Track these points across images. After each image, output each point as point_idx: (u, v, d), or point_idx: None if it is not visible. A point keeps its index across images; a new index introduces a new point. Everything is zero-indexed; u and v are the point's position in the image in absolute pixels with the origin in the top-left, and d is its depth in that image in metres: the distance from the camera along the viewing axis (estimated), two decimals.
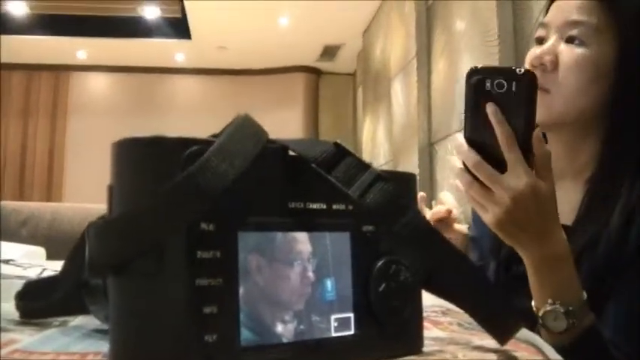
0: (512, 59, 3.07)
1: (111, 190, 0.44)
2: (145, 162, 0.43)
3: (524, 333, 0.63)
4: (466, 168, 0.83)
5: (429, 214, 1.19)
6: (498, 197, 0.81)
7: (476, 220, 1.23)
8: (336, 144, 0.50)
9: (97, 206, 2.63)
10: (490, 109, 0.79)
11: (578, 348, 0.86)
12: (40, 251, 1.61)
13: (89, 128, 8.78)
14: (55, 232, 2.55)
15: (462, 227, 1.21)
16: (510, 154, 0.79)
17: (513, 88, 0.79)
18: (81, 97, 9.01)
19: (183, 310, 0.42)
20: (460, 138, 0.83)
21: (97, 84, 9.12)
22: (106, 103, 9.02)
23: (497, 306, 0.55)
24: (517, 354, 0.56)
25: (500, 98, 0.79)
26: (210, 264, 0.43)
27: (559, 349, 0.84)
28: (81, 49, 8.41)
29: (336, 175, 0.49)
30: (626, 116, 0.92)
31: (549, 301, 0.86)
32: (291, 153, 0.49)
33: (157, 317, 0.42)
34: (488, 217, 0.84)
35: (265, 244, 0.46)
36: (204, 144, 0.43)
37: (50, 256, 1.63)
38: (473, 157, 0.81)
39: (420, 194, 1.22)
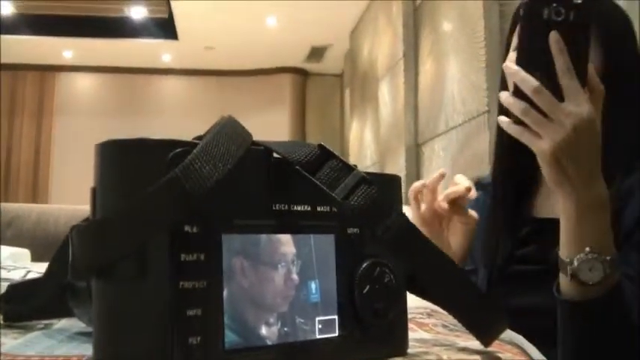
0: (498, 61, 3.08)
1: (94, 192, 0.44)
2: (129, 164, 0.43)
3: (508, 334, 0.64)
4: (518, 96, 0.81)
5: (442, 195, 1.13)
6: (558, 124, 0.79)
7: None
8: (320, 146, 0.50)
9: (83, 207, 2.61)
10: (554, 37, 0.79)
11: (608, 302, 0.84)
12: (25, 253, 1.59)
13: (75, 129, 8.74)
14: (41, 234, 2.53)
15: (474, 212, 1.16)
16: (570, 82, 0.79)
17: (571, 17, 0.79)
18: (67, 98, 8.97)
19: (167, 312, 0.42)
20: (513, 65, 0.82)
21: (83, 84, 9.08)
22: (92, 104, 8.98)
23: (482, 307, 0.56)
24: (501, 355, 0.56)
25: (558, 27, 0.79)
26: (194, 266, 0.43)
27: (587, 303, 0.83)
28: (67, 49, 8.38)
29: (321, 177, 0.49)
30: (615, 117, 0.92)
31: (587, 249, 0.82)
32: (275, 155, 0.49)
33: (140, 319, 0.42)
34: (543, 146, 0.80)
35: (249, 246, 0.46)
36: (188, 146, 0.43)
37: (35, 258, 1.61)
38: (532, 82, 0.80)
39: (441, 171, 1.14)
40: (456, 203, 1.12)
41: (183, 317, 0.42)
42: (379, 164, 5.68)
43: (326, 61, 8.60)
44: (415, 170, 4.61)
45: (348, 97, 7.93)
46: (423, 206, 1.13)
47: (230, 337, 0.44)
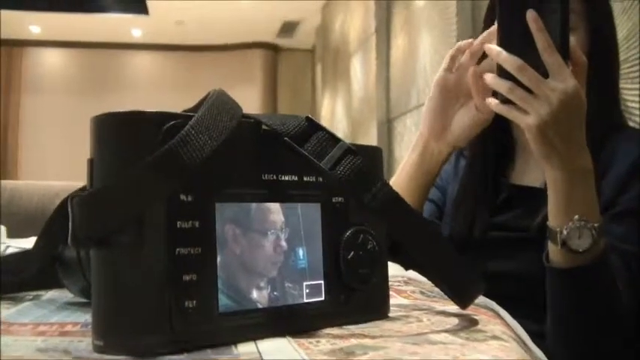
0: (470, 37, 3.10)
1: (91, 163, 0.46)
2: (125, 136, 0.45)
3: (482, 299, 0.67)
4: (503, 75, 0.83)
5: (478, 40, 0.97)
6: (544, 99, 0.81)
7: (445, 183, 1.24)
8: (308, 118, 0.52)
9: (57, 183, 2.60)
10: (530, 15, 0.81)
11: (596, 268, 0.87)
12: (1, 229, 1.59)
13: (44, 105, 8.63)
14: (14, 210, 2.51)
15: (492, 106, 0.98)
16: (553, 58, 0.81)
17: None
18: (35, 73, 8.84)
19: (165, 278, 0.44)
20: (495, 46, 0.85)
21: (52, 59, 8.95)
22: (61, 79, 8.86)
23: (461, 273, 0.58)
24: (477, 317, 0.59)
25: (535, 4, 0.82)
26: (190, 233, 0.45)
27: (576, 270, 0.86)
28: (34, 23, 8.24)
29: (308, 148, 0.51)
30: (593, 95, 0.94)
31: (576, 217, 0.85)
32: (264, 127, 0.51)
33: (139, 285, 0.44)
34: (530, 121, 0.83)
35: (241, 214, 0.48)
36: (181, 118, 0.45)
37: (10, 234, 1.61)
38: (516, 60, 0.82)
39: (468, 41, 1.00)
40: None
41: (180, 282, 0.44)
42: (351, 139, 5.68)
43: (297, 36, 8.57)
44: (387, 145, 4.64)
45: (320, 72, 7.93)
46: (455, 68, 1.02)
47: (224, 301, 0.46)
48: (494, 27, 0.87)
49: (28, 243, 1.08)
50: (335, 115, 6.81)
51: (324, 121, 7.22)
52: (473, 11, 3.15)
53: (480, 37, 0.95)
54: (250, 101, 8.49)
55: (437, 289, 0.65)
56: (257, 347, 0.46)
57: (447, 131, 1.03)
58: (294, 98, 8.97)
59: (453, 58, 1.01)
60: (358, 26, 5.64)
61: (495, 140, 1.13)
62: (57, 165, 7.97)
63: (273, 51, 9.07)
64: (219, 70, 8.69)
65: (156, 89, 8.69)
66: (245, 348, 0.46)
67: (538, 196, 1.01)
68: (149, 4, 7.39)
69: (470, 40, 0.99)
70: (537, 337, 0.68)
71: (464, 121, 1.02)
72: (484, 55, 0.96)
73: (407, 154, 1.08)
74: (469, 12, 3.18)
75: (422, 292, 0.75)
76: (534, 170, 1.09)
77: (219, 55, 8.89)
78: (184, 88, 8.26)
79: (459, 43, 1.01)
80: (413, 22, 4.14)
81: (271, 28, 8.25)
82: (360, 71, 5.56)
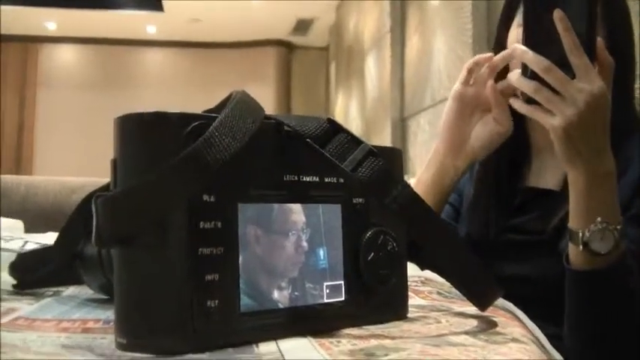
0: (485, 36, 3.10)
1: (115, 163, 0.46)
2: (148, 137, 0.45)
3: (500, 301, 0.67)
4: (528, 75, 0.83)
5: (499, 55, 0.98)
6: (570, 101, 0.80)
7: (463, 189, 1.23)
8: (329, 120, 0.53)
9: (73, 179, 2.62)
10: (557, 15, 0.80)
11: (616, 271, 0.87)
12: (19, 224, 1.61)
13: (59, 101, 8.68)
14: (30, 206, 2.53)
15: (510, 121, 1.01)
16: (580, 59, 0.80)
17: None
18: (50, 69, 8.89)
19: (187, 277, 0.44)
20: (521, 46, 0.84)
21: (67, 56, 8.99)
22: (76, 76, 8.91)
23: (479, 275, 0.58)
24: (496, 319, 0.59)
25: (562, 4, 0.81)
26: (212, 234, 0.45)
27: (598, 273, 0.86)
28: (50, 19, 8.28)
29: (330, 150, 0.51)
30: (615, 90, 0.94)
31: (598, 219, 0.84)
32: (286, 128, 0.51)
33: (161, 285, 0.44)
34: (555, 122, 0.82)
35: (263, 215, 0.49)
36: (204, 119, 0.45)
37: (25, 230, 1.62)
38: (542, 61, 0.81)
39: (486, 55, 1.00)
40: (506, 96, 0.97)
41: (202, 282, 0.44)
42: (364, 138, 5.64)
43: (311, 34, 8.56)
44: (401, 144, 4.63)
45: (334, 70, 7.92)
46: (472, 81, 1.02)
47: (245, 301, 0.47)
48: (516, 44, 0.86)
49: (45, 238, 1.09)
50: (349, 113, 6.80)
51: (338, 120, 7.19)
52: (488, 11, 3.15)
53: (501, 54, 0.96)
54: (264, 99, 8.40)
55: (454, 290, 0.65)
56: (278, 347, 0.46)
57: (466, 145, 1.03)
58: (307, 96, 8.96)
59: (470, 71, 1.01)
60: (372, 25, 5.63)
61: (510, 142, 1.12)
62: (72, 161, 8.01)
63: (287, 49, 9.07)
64: (233, 67, 8.71)
65: (170, 86, 8.72)
66: (266, 347, 0.46)
67: (554, 198, 1.01)
68: (164, 1, 7.41)
69: (489, 55, 0.99)
70: (553, 339, 0.68)
71: (483, 134, 1.01)
72: (503, 70, 0.95)
73: (419, 173, 1.08)
74: (484, 12, 3.18)
75: (439, 293, 0.75)
76: (550, 173, 1.08)
77: (233, 52, 8.90)
78: (198, 86, 8.29)
79: (477, 56, 1.01)
80: (427, 22, 4.13)
81: (285, 25, 8.25)
82: (374, 70, 5.55)
